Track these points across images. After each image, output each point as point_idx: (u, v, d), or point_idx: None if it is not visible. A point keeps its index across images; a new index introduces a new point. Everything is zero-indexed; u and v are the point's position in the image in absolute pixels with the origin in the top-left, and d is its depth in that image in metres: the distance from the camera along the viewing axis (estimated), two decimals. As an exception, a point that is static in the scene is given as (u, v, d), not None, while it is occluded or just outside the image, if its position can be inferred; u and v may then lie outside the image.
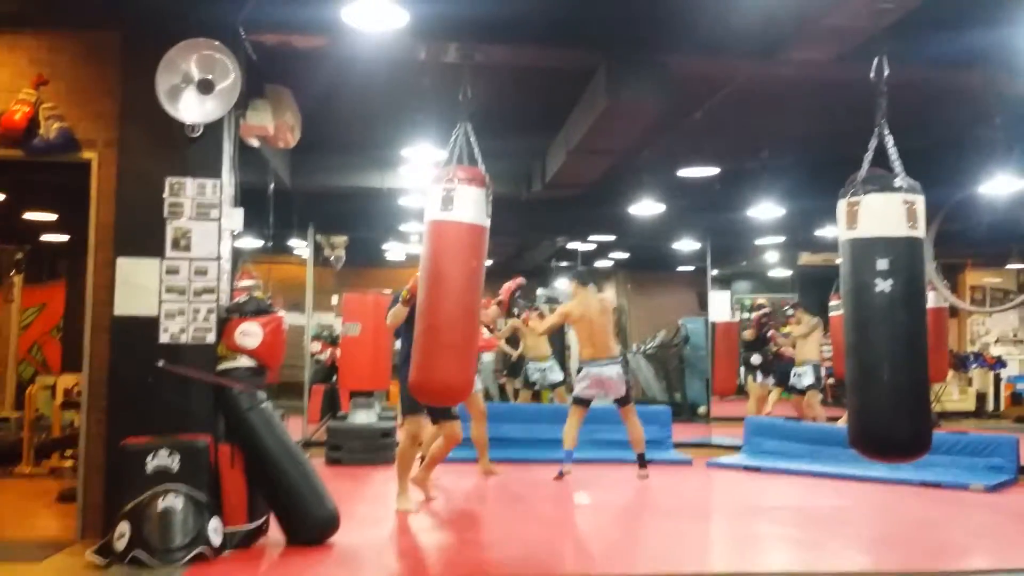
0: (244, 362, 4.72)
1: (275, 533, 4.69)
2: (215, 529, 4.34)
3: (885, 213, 3.97)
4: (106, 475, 4.66)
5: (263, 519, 4.68)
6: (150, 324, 4.69)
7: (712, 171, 9.03)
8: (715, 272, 13.42)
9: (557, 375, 10.39)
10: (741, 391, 11.59)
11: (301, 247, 11.31)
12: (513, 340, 10.69)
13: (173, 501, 4.26)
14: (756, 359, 10.38)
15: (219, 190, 4.81)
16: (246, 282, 7.13)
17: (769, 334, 10.32)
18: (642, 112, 6.09)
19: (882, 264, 3.92)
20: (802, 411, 9.71)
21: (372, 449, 7.56)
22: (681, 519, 5.80)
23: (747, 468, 7.68)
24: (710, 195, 9.62)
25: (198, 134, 4.76)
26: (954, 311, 13.05)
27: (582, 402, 7.09)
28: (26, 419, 7.07)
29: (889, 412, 3.97)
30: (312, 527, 4.62)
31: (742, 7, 4.89)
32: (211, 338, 4.73)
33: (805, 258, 14.68)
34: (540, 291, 14.62)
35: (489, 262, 4.62)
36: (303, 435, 8.68)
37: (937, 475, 6.84)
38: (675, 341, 13.18)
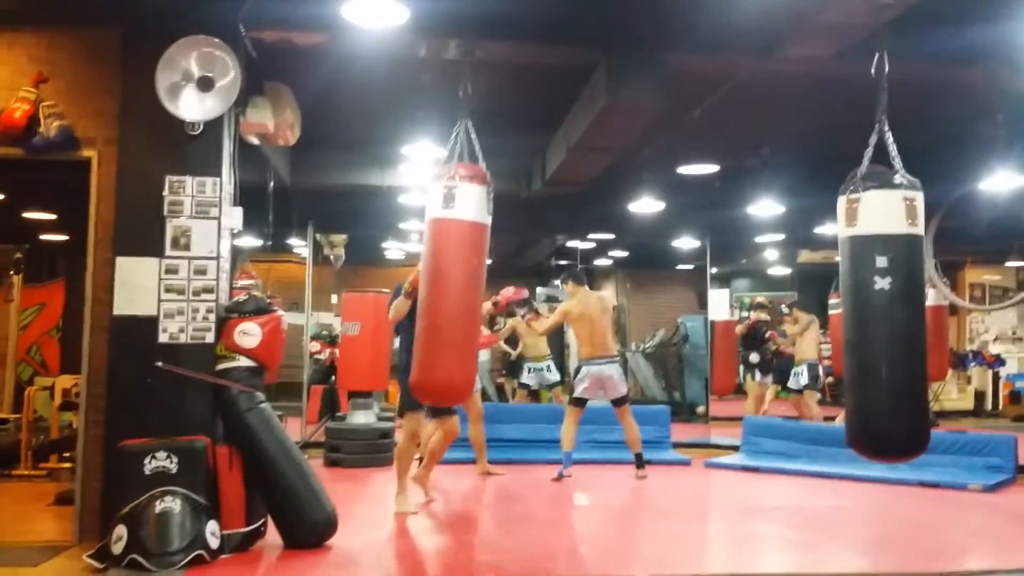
0: (243, 362, 4.70)
1: (273, 536, 4.65)
2: (213, 532, 4.31)
3: (885, 210, 3.95)
4: (104, 477, 4.64)
5: (261, 521, 4.64)
6: (149, 324, 4.67)
7: (712, 169, 9.01)
8: (714, 270, 13.44)
9: (554, 376, 10.34)
10: (740, 390, 11.57)
11: (300, 246, 11.28)
12: (512, 340, 10.66)
13: (171, 504, 4.24)
14: (754, 357, 10.36)
15: (219, 188, 4.79)
16: (245, 281, 7.13)
17: (768, 333, 10.31)
18: (642, 110, 6.09)
19: (881, 261, 3.90)
20: (801, 411, 9.70)
21: (371, 450, 7.52)
22: (679, 520, 5.79)
23: (746, 468, 7.66)
24: (710, 193, 9.59)
25: (198, 132, 4.74)
26: (953, 309, 13.05)
27: (579, 402, 7.05)
28: (24, 420, 7.04)
29: (887, 411, 3.96)
30: (310, 529, 4.59)
31: (741, 4, 4.88)
32: (210, 338, 4.71)
33: (805, 256, 14.70)
34: (540, 290, 14.59)
35: (488, 261, 4.61)
36: (302, 436, 8.65)
37: (935, 475, 6.83)
38: (674, 340, 13.13)
